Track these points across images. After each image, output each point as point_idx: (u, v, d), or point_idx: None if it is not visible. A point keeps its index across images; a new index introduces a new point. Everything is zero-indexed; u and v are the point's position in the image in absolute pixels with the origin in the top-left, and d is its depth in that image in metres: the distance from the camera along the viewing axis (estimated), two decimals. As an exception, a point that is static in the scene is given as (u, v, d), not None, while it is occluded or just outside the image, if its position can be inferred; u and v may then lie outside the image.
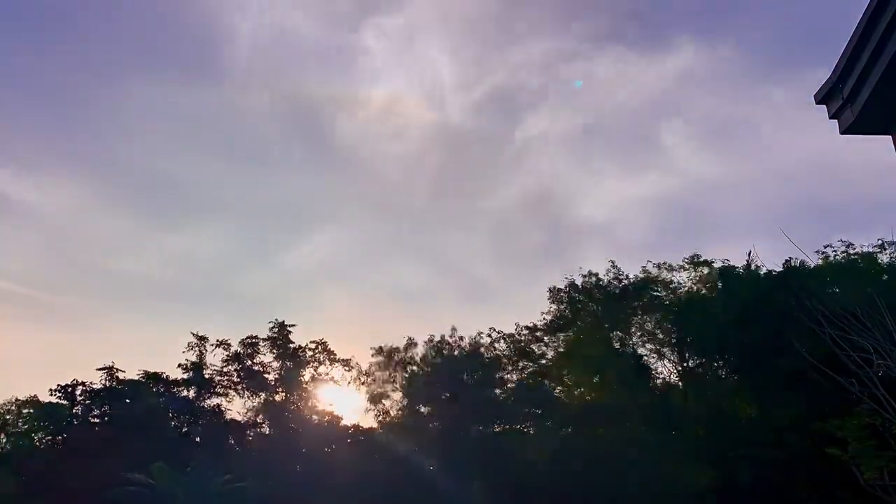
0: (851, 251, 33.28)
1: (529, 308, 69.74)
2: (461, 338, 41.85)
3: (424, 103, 77.08)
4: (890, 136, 6.10)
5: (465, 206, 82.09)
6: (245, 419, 44.48)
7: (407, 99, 76.88)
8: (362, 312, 74.28)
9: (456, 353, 41.48)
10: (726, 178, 75.58)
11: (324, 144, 79.94)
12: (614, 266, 39.59)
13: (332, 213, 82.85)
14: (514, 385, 40.85)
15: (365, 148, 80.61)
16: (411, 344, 42.45)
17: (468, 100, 78.49)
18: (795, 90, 74.38)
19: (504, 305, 75.38)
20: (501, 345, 41.76)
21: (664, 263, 38.39)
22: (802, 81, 71.94)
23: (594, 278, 39.75)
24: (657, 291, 38.38)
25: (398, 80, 78.97)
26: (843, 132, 6.27)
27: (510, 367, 41.78)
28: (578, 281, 40.07)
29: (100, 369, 43.24)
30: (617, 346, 38.25)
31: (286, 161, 78.42)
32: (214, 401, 44.30)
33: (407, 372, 42.29)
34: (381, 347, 42.63)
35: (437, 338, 42.04)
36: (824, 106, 6.45)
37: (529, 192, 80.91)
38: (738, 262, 35.43)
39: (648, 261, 39.18)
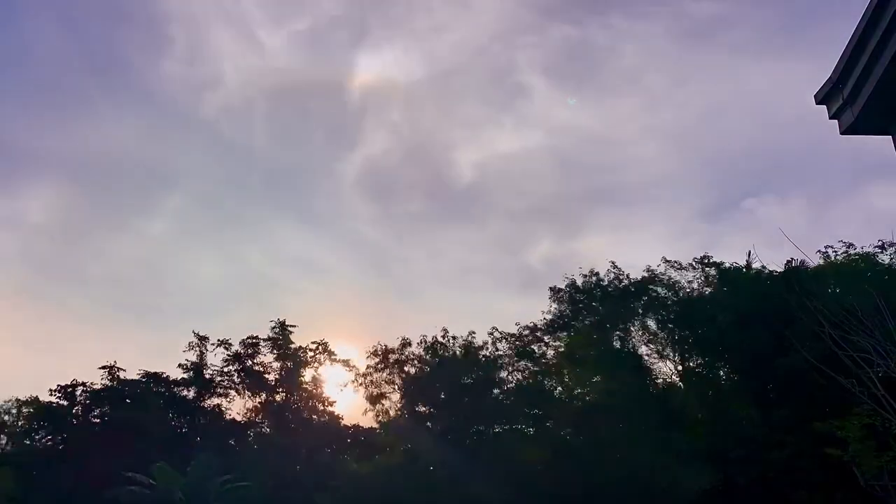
0: (852, 251, 33.26)
1: (439, 281, 65.50)
2: (454, 338, 41.83)
3: (237, 43, 69.22)
4: (890, 137, 6.09)
5: (322, 161, 74.67)
6: (245, 419, 44.50)
7: (215, 36, 68.47)
8: (246, 283, 68.82)
9: (451, 353, 41.42)
10: (607, 127, 69.11)
11: (137, 92, 70.47)
12: (615, 266, 39.61)
13: (177, 172, 74.75)
14: (514, 385, 40.80)
15: (185, 96, 72.40)
16: (406, 344, 42.40)
17: (285, 38, 68.71)
18: (665, 21, 65.14)
19: (409, 275, 70.45)
20: (503, 345, 41.73)
21: (666, 262, 38.36)
22: (679, 11, 64.54)
23: (595, 278, 39.74)
24: (658, 291, 38.34)
25: (200, 12, 68.84)
26: (843, 132, 6.26)
27: (510, 368, 41.74)
28: (579, 281, 40.09)
29: (101, 368, 43.31)
30: (618, 346, 38.21)
31: (102, 111, 69.53)
32: (215, 401, 44.34)
33: (404, 373, 42.25)
34: (376, 349, 42.59)
35: (430, 338, 42.04)
36: (824, 106, 6.45)
37: (396, 146, 73.53)
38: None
39: (663, 256, 39.11)
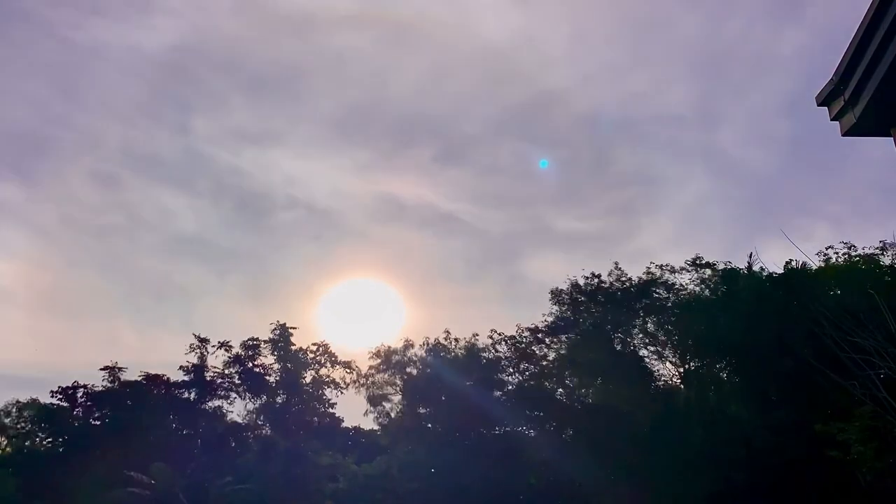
0: (853, 253, 33.19)
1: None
2: (456, 340, 41.82)
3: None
4: (891, 138, 6.10)
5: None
6: (246, 421, 44.48)
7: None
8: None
9: (452, 355, 41.39)
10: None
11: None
12: (617, 268, 39.58)
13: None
14: (515, 387, 40.77)
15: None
16: (409, 345, 42.39)
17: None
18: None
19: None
20: (503, 347, 41.69)
21: (666, 265, 38.33)
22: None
23: (596, 280, 39.71)
24: (659, 293, 38.31)
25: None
26: (844, 134, 6.27)
27: (512, 369, 41.71)
28: (581, 282, 40.06)
29: (102, 369, 43.30)
30: (618, 347, 38.17)
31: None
32: (215, 403, 44.32)
33: (406, 374, 42.21)
34: (378, 350, 42.56)
35: (432, 340, 42.02)
36: (826, 108, 6.45)
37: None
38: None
39: (651, 262, 39.14)
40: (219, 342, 44.71)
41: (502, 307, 76.94)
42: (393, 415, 42.01)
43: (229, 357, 44.53)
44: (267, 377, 44.78)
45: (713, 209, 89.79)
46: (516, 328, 41.50)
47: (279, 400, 44.84)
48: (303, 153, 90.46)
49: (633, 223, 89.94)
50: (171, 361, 71.37)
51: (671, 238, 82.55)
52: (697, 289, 37.78)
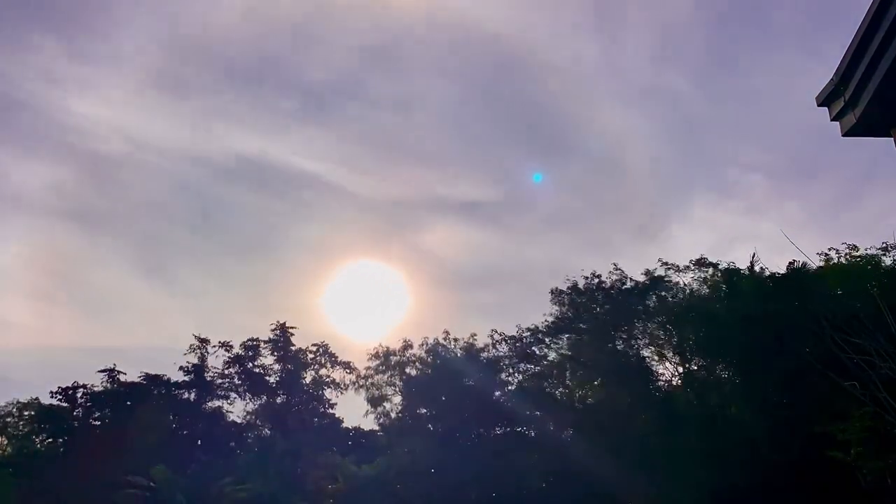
0: (854, 254, 33.13)
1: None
2: (455, 340, 41.77)
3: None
4: (892, 138, 6.08)
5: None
6: (246, 422, 44.48)
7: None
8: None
9: (452, 355, 41.34)
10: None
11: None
12: (617, 268, 39.53)
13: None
14: (515, 387, 40.74)
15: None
16: (407, 346, 42.33)
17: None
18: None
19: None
20: (503, 346, 41.66)
21: (672, 264, 38.26)
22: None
23: (597, 280, 39.67)
24: (660, 293, 38.26)
25: None
26: (844, 134, 6.25)
27: (512, 370, 41.68)
28: (581, 283, 40.01)
29: (101, 371, 43.31)
30: (619, 347, 38.13)
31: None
32: (215, 403, 44.32)
33: (405, 374, 42.16)
34: (377, 350, 42.50)
35: (431, 340, 41.97)
36: (826, 108, 6.43)
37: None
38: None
39: (659, 259, 39.04)
40: (219, 342, 44.81)
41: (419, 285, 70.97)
42: (393, 415, 41.98)
43: (229, 357, 44.57)
44: (267, 377, 44.81)
45: (632, 155, 77.20)
46: (516, 328, 41.52)
47: (279, 400, 44.85)
48: (130, 102, 76.37)
49: (538, 184, 78.57)
50: (77, 344, 67.59)
51: (594, 194, 72.81)
52: (699, 288, 37.76)
